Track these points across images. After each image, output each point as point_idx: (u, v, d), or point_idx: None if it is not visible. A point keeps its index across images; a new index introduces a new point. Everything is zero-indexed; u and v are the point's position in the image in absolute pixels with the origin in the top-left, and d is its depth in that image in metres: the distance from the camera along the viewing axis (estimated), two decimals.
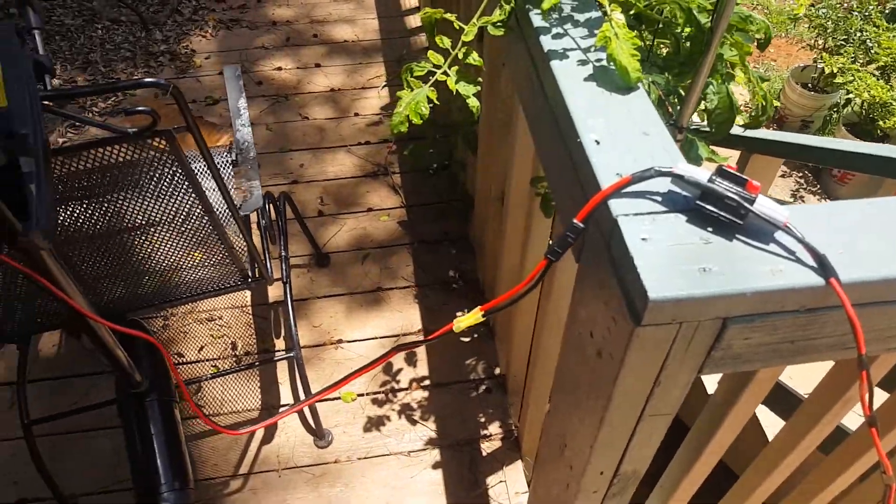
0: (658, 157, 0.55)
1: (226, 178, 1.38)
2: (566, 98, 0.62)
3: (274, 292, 1.88)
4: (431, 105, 0.91)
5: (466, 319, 0.75)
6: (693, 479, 0.94)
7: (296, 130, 2.34)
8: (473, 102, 0.94)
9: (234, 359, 1.75)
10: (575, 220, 0.53)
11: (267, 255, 1.39)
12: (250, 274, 1.28)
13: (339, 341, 1.78)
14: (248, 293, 1.86)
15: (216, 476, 1.54)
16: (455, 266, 1.94)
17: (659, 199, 0.50)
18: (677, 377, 0.56)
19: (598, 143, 0.57)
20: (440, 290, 1.89)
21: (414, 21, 2.85)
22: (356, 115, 2.42)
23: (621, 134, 0.58)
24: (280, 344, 1.77)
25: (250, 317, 1.82)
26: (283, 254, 1.52)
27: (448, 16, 0.96)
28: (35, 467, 1.48)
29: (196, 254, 1.13)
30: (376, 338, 1.79)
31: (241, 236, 1.17)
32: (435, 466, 1.55)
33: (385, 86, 2.53)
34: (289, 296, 1.49)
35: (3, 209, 0.59)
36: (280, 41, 2.72)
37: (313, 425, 1.58)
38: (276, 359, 1.67)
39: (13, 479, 1.55)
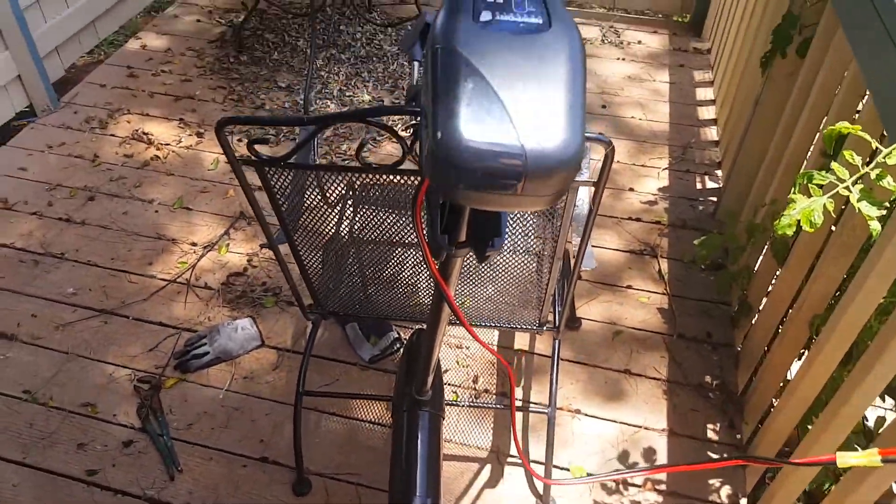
0: None
1: None
2: None
3: (520, 340, 1.96)
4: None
5: (857, 458, 0.73)
6: None
7: None
8: (875, 227, 0.94)
9: (472, 391, 1.84)
10: None
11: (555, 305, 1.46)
12: (542, 320, 1.35)
13: (578, 411, 1.80)
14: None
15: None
16: (713, 373, 1.89)
17: None
18: None
19: None
20: (692, 394, 1.85)
21: (706, 112, 2.88)
22: (631, 190, 2.48)
23: None
24: (519, 392, 1.83)
25: (494, 356, 1.91)
26: (558, 309, 1.59)
27: (862, 134, 0.97)
28: (293, 434, 1.67)
29: (512, 290, 1.22)
30: (616, 422, 1.79)
31: (548, 284, 1.25)
32: None
33: (666, 169, 2.57)
34: (557, 351, 1.55)
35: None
36: None
37: (540, 489, 1.60)
38: (530, 409, 1.72)
39: (261, 437, 1.75)
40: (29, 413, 1.83)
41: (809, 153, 1.66)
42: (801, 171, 1.51)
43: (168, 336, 2.01)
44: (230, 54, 3.11)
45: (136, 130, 2.70)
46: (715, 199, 2.44)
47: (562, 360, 1.92)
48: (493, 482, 1.66)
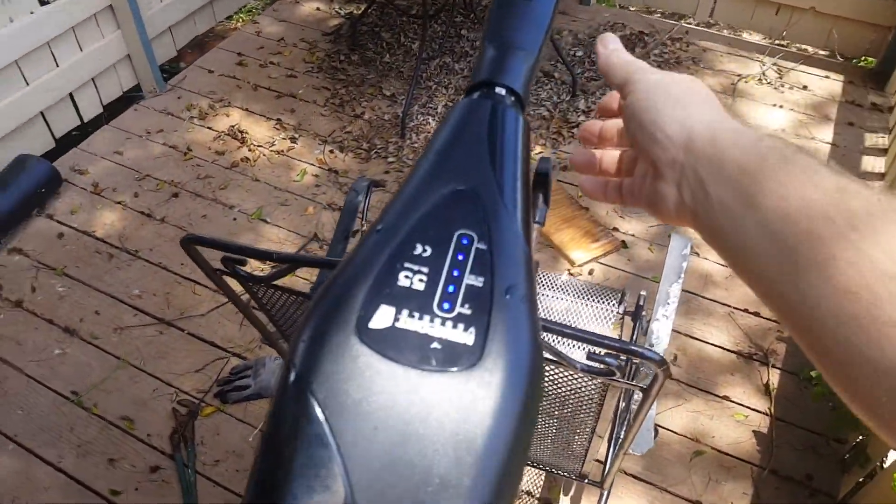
0: None
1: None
2: None
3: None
4: None
5: None
6: None
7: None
8: None
9: None
10: None
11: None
12: (583, 473, 1.19)
13: None
14: None
15: None
16: None
17: None
18: None
19: None
20: None
21: None
22: None
23: None
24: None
25: None
26: (611, 451, 1.39)
27: None
28: None
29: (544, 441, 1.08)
30: None
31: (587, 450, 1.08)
32: None
33: None
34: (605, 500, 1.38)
35: None
36: None
37: None
38: None
39: None
40: (72, 416, 1.89)
41: None
42: None
43: (217, 358, 2.02)
44: (342, 51, 3.08)
45: (233, 127, 2.74)
46: None
47: (625, 472, 1.73)
48: None
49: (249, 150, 2.64)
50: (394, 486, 0.33)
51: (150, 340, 2.06)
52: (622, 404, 1.26)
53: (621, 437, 1.15)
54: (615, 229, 2.32)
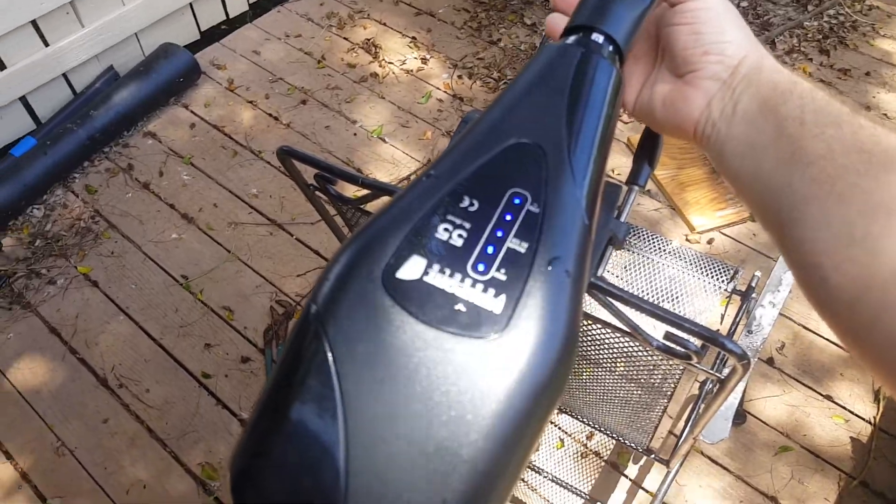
0: None
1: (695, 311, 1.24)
2: None
3: None
4: None
5: None
6: None
7: None
8: None
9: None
10: None
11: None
12: (649, 448, 1.15)
13: None
14: None
15: None
16: None
17: None
18: None
19: None
20: None
21: None
22: None
23: None
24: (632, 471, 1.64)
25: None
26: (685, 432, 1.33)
27: None
28: None
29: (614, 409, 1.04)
30: None
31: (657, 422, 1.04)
32: None
33: None
34: (667, 483, 1.33)
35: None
36: None
37: None
38: None
39: None
40: (179, 298, 2.03)
41: None
42: None
43: (319, 267, 2.09)
44: None
45: (368, 40, 2.74)
46: None
47: (702, 453, 1.67)
48: None
49: (380, 65, 2.65)
50: (389, 443, 0.31)
51: (260, 239, 2.15)
52: (707, 387, 1.19)
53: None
54: None
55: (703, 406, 0.91)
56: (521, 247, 0.35)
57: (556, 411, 1.31)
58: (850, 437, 1.70)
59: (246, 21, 2.83)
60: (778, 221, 0.39)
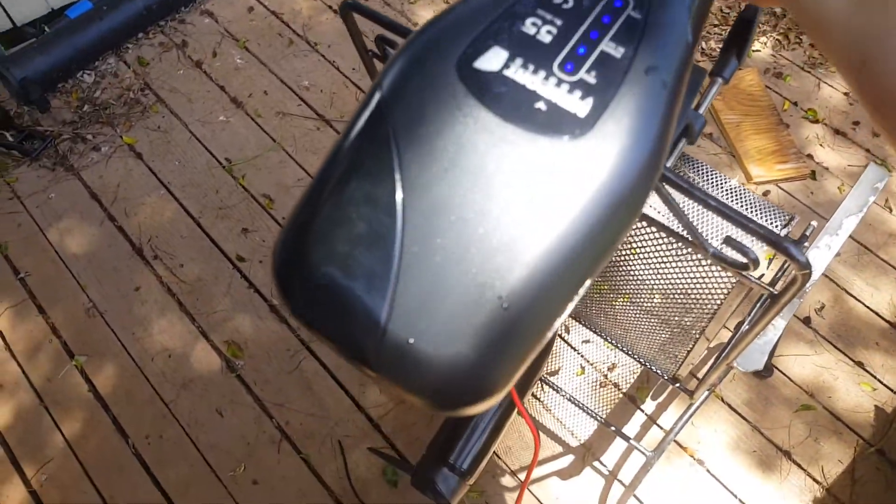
0: None
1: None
2: None
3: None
4: None
5: None
6: None
7: None
8: None
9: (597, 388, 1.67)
10: None
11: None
12: (676, 376, 1.13)
13: (700, 462, 1.57)
14: None
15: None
16: None
17: None
18: None
19: None
20: None
21: None
22: None
23: None
24: (651, 407, 1.63)
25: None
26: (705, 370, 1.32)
27: None
28: None
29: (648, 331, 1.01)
30: (737, 498, 1.53)
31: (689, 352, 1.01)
32: None
33: None
34: (690, 411, 1.31)
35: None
36: None
37: None
38: (632, 444, 1.52)
39: None
40: (220, 180, 2.03)
41: None
42: None
43: None
44: None
45: None
46: None
47: (722, 399, 1.65)
48: (568, 475, 1.54)
49: None
50: (443, 234, 0.29)
51: (306, 132, 2.13)
52: (751, 314, 1.15)
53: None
54: (809, 156, 2.08)
55: (746, 328, 0.88)
56: (618, 51, 0.32)
57: (586, 329, 1.30)
58: (875, 406, 1.66)
59: None
60: (859, 61, 0.35)
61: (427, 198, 0.29)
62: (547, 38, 0.32)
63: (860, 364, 1.72)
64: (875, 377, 1.71)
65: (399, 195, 0.30)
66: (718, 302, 0.79)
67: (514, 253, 0.28)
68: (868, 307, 1.81)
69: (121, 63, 2.29)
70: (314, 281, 0.30)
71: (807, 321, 1.77)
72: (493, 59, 0.31)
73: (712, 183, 1.35)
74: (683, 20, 0.33)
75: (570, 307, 0.31)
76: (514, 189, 0.29)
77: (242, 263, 1.88)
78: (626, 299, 1.03)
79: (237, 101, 2.19)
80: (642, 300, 0.95)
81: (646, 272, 0.88)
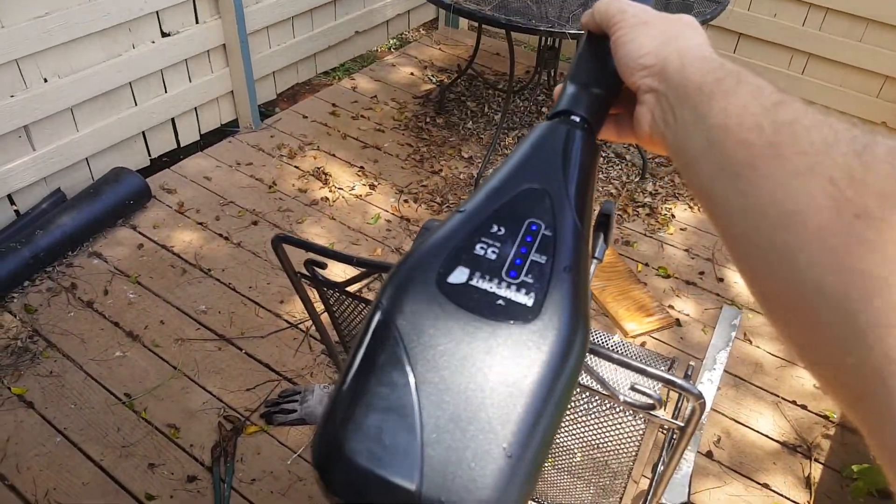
0: None
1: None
2: None
3: None
4: None
5: None
6: None
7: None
8: None
9: None
10: None
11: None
12: None
13: None
14: None
15: None
16: None
17: None
18: None
19: None
20: None
21: None
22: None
23: None
24: None
25: None
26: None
27: None
28: None
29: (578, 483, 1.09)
30: None
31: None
32: None
33: None
34: None
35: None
36: None
37: None
38: None
39: None
40: (121, 417, 1.97)
41: None
42: None
43: (269, 381, 2.08)
44: (428, 114, 3.25)
45: (318, 168, 2.89)
46: None
47: None
48: None
49: (330, 190, 2.78)
50: (452, 405, 0.39)
51: (207, 355, 2.15)
52: (661, 455, 1.26)
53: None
54: (670, 307, 2.34)
55: (665, 461, 0.97)
56: (542, 259, 0.45)
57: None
58: None
59: (197, 150, 2.95)
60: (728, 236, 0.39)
61: (434, 379, 0.40)
62: (493, 256, 0.45)
63: (766, 486, 1.85)
64: (782, 495, 1.83)
65: (412, 380, 0.40)
66: (637, 443, 0.90)
67: (506, 412, 0.39)
68: (758, 431, 1.98)
69: (5, 313, 2.25)
70: (354, 465, 0.38)
71: (709, 455, 1.90)
72: (459, 275, 0.44)
73: (597, 342, 1.51)
74: (580, 232, 0.47)
75: (550, 448, 0.41)
76: (496, 364, 0.40)
77: (152, 502, 1.79)
78: (550, 462, 1.11)
79: (133, 334, 2.19)
80: (570, 456, 1.04)
81: (568, 431, 0.98)
